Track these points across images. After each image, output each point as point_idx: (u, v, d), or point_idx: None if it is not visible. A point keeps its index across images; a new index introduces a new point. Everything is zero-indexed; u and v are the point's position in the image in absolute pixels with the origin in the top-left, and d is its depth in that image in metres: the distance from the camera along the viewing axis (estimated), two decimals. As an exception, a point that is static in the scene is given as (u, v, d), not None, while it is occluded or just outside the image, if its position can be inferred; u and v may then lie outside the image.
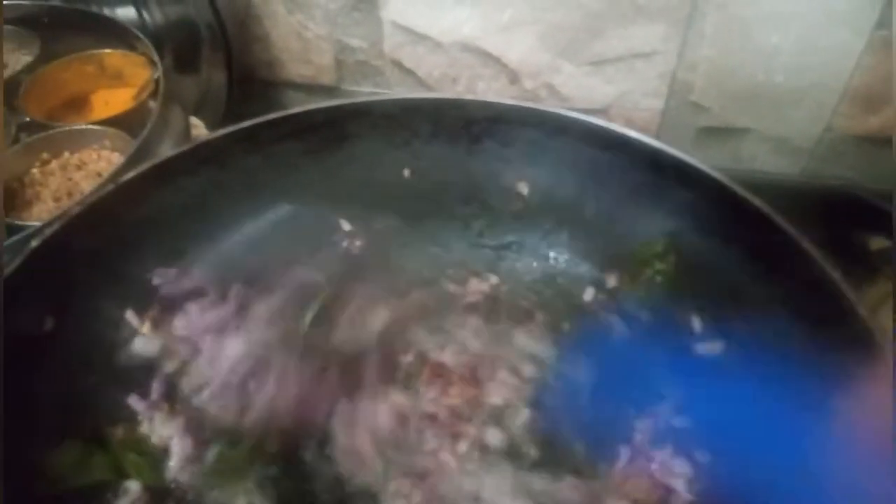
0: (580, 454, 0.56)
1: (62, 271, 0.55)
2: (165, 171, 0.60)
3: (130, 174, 0.57)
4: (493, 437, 0.57)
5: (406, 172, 0.70)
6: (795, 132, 0.92)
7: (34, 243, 0.53)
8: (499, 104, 0.66)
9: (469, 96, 0.68)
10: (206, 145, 0.62)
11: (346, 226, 0.70)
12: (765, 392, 0.54)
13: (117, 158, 0.78)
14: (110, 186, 0.56)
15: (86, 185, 0.76)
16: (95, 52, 0.86)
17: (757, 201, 0.55)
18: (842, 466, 0.48)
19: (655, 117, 0.95)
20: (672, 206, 0.62)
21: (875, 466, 0.45)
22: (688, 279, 0.62)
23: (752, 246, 0.57)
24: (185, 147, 0.60)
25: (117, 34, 0.85)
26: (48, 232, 0.54)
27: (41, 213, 0.73)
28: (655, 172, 0.62)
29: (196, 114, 0.89)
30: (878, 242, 0.75)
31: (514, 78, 0.95)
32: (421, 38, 0.93)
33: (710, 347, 0.60)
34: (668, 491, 0.54)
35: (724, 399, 0.57)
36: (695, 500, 0.54)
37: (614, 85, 0.93)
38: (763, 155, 0.96)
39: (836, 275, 0.50)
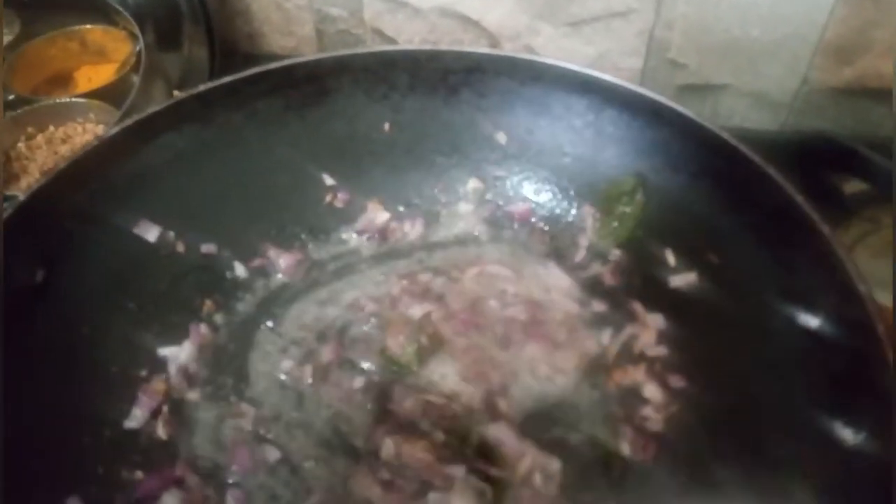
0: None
1: (51, 225, 0.57)
2: (148, 128, 0.61)
3: (114, 130, 0.58)
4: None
5: (386, 126, 0.71)
6: (772, 86, 0.93)
7: (22, 197, 0.54)
8: (474, 53, 0.67)
9: (444, 47, 0.68)
10: (188, 101, 0.63)
11: (328, 180, 0.71)
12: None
13: (102, 131, 0.80)
14: (95, 142, 0.57)
15: (72, 156, 0.77)
16: (77, 28, 0.88)
17: (725, 135, 0.56)
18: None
19: (635, 76, 0.96)
20: (643, 145, 0.63)
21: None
22: (660, 214, 0.63)
23: (720, 178, 0.59)
24: (167, 103, 0.61)
25: (98, 10, 0.87)
26: (36, 186, 0.55)
27: (29, 185, 0.74)
28: (627, 113, 0.64)
29: (179, 88, 0.90)
30: (852, 185, 0.76)
31: (493, 42, 0.95)
32: (400, 4, 0.94)
33: (684, 279, 0.61)
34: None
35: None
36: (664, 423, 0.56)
37: (593, 45, 0.94)
38: (742, 110, 0.97)
39: (799, 198, 0.51)
